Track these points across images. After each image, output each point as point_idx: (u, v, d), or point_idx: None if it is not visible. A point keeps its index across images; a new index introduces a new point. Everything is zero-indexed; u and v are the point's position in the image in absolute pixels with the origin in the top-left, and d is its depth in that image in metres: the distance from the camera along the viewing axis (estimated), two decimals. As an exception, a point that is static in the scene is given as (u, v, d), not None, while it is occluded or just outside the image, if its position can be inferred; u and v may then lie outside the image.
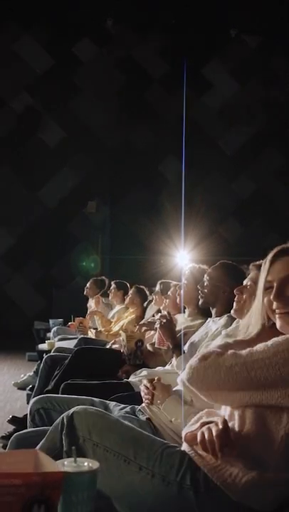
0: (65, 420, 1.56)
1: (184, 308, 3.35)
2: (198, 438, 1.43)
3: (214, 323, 2.68)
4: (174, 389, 2.08)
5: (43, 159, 9.57)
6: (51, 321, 5.83)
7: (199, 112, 10.05)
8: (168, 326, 2.79)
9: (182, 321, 3.25)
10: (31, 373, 5.18)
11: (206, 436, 1.40)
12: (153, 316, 4.28)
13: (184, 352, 2.68)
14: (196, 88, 9.98)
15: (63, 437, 1.54)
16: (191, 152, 8.93)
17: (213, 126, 10.26)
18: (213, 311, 2.75)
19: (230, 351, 1.45)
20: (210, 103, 10.28)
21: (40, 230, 9.46)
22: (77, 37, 9.88)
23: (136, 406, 2.09)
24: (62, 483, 1.03)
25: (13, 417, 3.67)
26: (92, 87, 9.89)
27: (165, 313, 2.89)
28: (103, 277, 6.27)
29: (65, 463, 1.16)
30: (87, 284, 6.26)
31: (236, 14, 9.62)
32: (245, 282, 2.24)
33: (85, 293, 6.28)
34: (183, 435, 1.56)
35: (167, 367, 2.79)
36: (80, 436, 1.51)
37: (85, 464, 1.16)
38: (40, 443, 1.64)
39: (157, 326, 2.87)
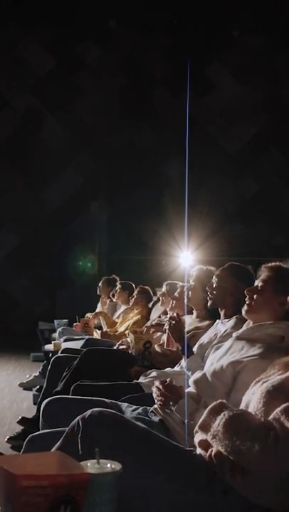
0: (80, 423, 1.57)
1: (191, 309, 3.37)
2: (208, 455, 1.45)
3: (223, 325, 2.70)
4: (186, 390, 2.10)
5: (46, 160, 9.59)
6: (56, 322, 5.84)
7: (202, 112, 10.07)
8: (177, 328, 2.81)
9: (190, 322, 3.27)
10: (37, 374, 5.21)
11: (217, 465, 1.42)
12: (159, 316, 4.30)
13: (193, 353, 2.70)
14: (199, 88, 9.99)
15: (79, 440, 1.54)
16: (194, 152, 8.95)
17: (216, 126, 10.28)
18: (222, 313, 2.76)
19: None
20: (212, 103, 10.30)
21: (44, 230, 9.48)
22: (79, 38, 9.89)
23: (148, 407, 2.11)
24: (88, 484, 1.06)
25: (22, 417, 3.68)
26: (94, 88, 9.91)
27: (174, 314, 2.91)
28: (113, 275, 6.28)
29: (88, 464, 1.18)
30: (100, 284, 6.30)
31: (239, 14, 9.64)
32: (256, 283, 2.25)
33: (98, 292, 6.32)
34: (196, 441, 1.56)
35: (176, 368, 2.81)
36: (96, 441, 1.50)
37: (108, 465, 1.18)
38: (56, 445, 1.64)
39: (166, 327, 2.89)
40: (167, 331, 2.87)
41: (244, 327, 2.21)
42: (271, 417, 1.36)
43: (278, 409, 1.36)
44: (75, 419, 1.61)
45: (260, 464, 1.30)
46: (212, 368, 2.06)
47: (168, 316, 3.29)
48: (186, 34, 9.87)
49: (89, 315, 5.81)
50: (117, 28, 9.92)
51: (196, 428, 1.51)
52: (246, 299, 2.21)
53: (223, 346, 2.21)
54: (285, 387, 1.44)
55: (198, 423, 1.52)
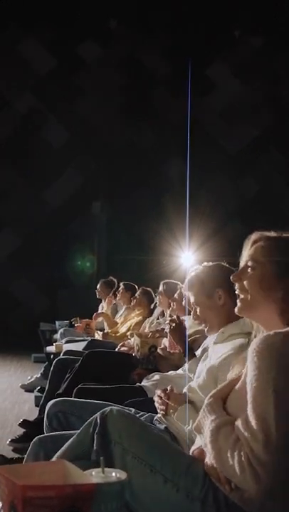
0: (98, 420, 1.57)
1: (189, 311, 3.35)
2: (205, 468, 1.44)
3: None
4: (188, 393, 2.09)
5: (47, 160, 9.58)
6: (57, 323, 5.83)
7: (202, 112, 10.06)
8: (178, 330, 2.81)
9: (189, 324, 3.26)
10: (38, 375, 5.20)
11: (211, 472, 1.41)
12: (158, 318, 4.28)
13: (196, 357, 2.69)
14: (200, 88, 9.98)
15: (95, 436, 1.55)
16: (195, 152, 8.93)
17: (216, 126, 10.26)
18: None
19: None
20: (213, 103, 10.28)
21: (45, 230, 9.47)
22: (80, 37, 9.88)
23: (153, 414, 2.10)
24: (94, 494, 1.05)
25: (24, 420, 3.67)
26: (95, 88, 9.90)
27: (174, 317, 2.91)
28: (111, 277, 6.26)
29: (93, 473, 1.17)
30: (98, 287, 6.28)
31: (239, 14, 9.62)
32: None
33: (97, 296, 6.29)
34: (190, 452, 1.56)
35: (179, 371, 2.80)
36: (112, 440, 1.51)
37: (113, 474, 1.17)
38: (70, 440, 1.64)
39: (167, 330, 2.89)
40: (168, 333, 2.86)
41: (218, 332, 2.21)
42: (235, 431, 1.33)
43: (240, 424, 1.32)
44: (94, 416, 1.60)
45: (244, 486, 1.29)
46: (197, 382, 2.08)
47: (167, 317, 3.29)
48: (187, 34, 9.86)
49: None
50: (118, 27, 9.90)
51: (192, 429, 1.51)
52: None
53: (207, 356, 2.23)
54: (241, 395, 1.41)
55: (194, 424, 1.51)
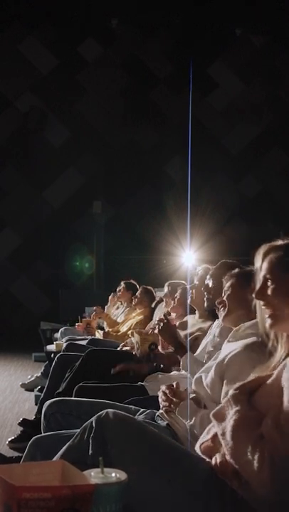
0: (94, 424, 1.53)
1: (194, 309, 3.31)
2: (213, 463, 1.41)
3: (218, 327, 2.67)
4: (188, 392, 2.06)
5: (48, 159, 9.55)
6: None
7: (204, 111, 10.02)
8: (166, 329, 2.77)
9: (193, 322, 3.22)
10: (38, 374, 5.17)
11: (220, 468, 1.38)
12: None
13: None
14: (201, 88, 9.95)
15: (91, 441, 1.50)
16: (196, 152, 8.90)
17: (218, 125, 10.23)
18: (219, 314, 2.73)
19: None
20: (215, 103, 10.25)
21: (46, 230, 9.44)
22: (81, 37, 9.84)
23: (154, 411, 2.06)
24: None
25: (23, 419, 3.64)
26: (97, 87, 9.86)
27: (162, 316, 2.87)
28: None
29: (92, 474, 1.13)
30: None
31: (241, 13, 9.58)
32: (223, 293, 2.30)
33: (116, 299, 6.06)
34: (197, 447, 1.52)
35: (181, 371, 2.76)
36: (108, 443, 1.46)
37: (113, 474, 1.13)
38: (67, 445, 1.60)
39: (156, 331, 2.86)
40: (158, 334, 2.83)
41: (232, 332, 2.18)
42: (262, 428, 1.31)
43: (270, 423, 1.29)
44: (91, 419, 1.56)
45: (256, 483, 1.27)
46: (206, 379, 2.05)
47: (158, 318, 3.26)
48: (189, 33, 9.82)
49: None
50: (119, 26, 9.87)
51: (210, 416, 1.47)
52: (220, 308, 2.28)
53: (217, 354, 2.20)
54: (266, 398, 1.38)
55: (214, 411, 1.47)
